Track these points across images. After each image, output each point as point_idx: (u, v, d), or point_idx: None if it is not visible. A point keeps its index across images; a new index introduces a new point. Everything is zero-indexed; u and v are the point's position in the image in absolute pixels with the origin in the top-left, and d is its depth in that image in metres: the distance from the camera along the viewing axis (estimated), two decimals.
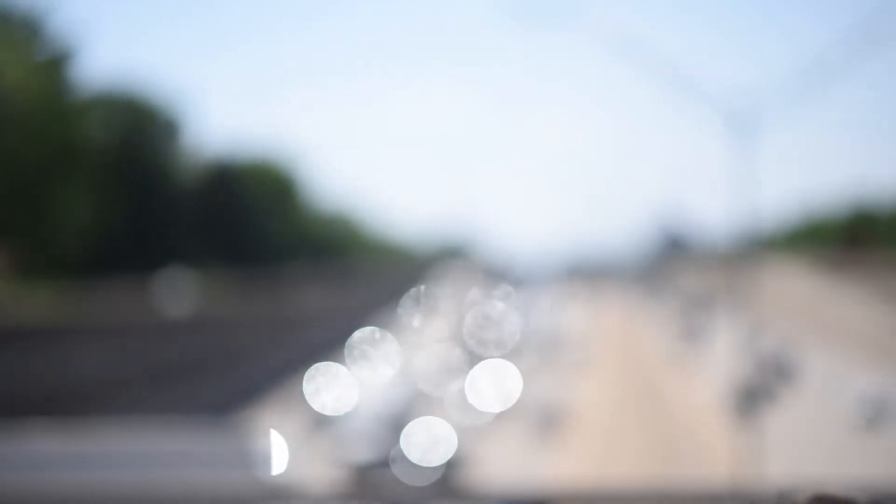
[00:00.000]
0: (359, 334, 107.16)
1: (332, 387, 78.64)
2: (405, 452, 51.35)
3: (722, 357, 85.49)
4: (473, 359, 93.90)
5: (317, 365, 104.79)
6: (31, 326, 55.29)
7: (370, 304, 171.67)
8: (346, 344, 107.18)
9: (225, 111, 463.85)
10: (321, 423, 65.14)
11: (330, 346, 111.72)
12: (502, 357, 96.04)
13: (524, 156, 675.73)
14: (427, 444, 51.74)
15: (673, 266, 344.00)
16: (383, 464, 51.95)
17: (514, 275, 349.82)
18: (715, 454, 56.01)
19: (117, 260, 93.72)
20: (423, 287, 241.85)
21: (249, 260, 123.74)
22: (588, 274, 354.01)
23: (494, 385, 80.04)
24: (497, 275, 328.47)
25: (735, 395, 57.65)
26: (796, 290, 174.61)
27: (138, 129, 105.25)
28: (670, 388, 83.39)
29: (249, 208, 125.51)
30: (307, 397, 78.41)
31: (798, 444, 57.74)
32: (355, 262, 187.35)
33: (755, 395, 63.51)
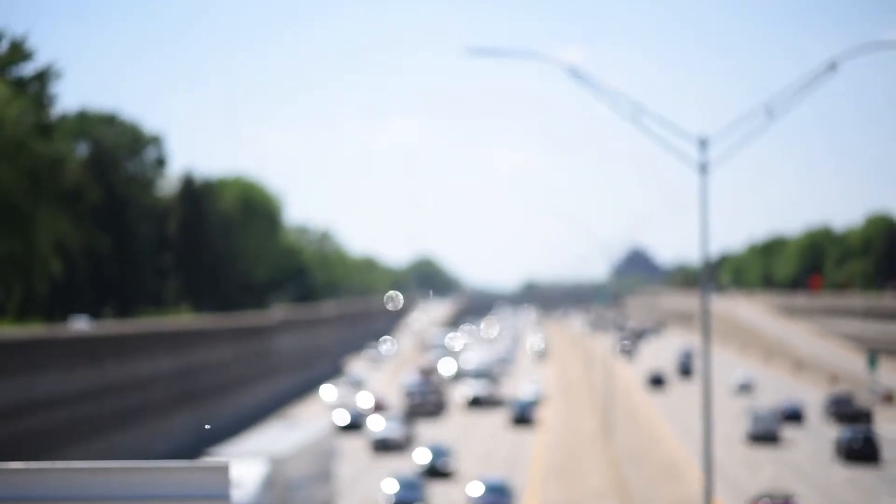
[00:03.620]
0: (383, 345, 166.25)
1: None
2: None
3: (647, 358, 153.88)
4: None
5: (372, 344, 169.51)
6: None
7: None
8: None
9: (202, 132, 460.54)
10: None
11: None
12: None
13: (495, 187, 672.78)
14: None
15: (634, 288, 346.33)
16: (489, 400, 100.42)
17: (487, 301, 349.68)
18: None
19: (90, 280, 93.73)
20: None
21: (226, 277, 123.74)
22: (553, 301, 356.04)
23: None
24: (473, 300, 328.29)
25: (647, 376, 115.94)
26: (746, 318, 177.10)
27: (115, 146, 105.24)
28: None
29: (225, 223, 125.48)
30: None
31: (691, 402, 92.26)
32: (336, 283, 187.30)
33: (661, 377, 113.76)
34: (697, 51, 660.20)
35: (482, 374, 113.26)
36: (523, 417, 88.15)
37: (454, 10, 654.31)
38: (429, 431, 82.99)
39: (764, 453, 72.14)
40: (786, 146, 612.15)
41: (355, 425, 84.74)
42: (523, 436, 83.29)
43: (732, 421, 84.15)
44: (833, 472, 65.04)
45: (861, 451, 66.96)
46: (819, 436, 79.07)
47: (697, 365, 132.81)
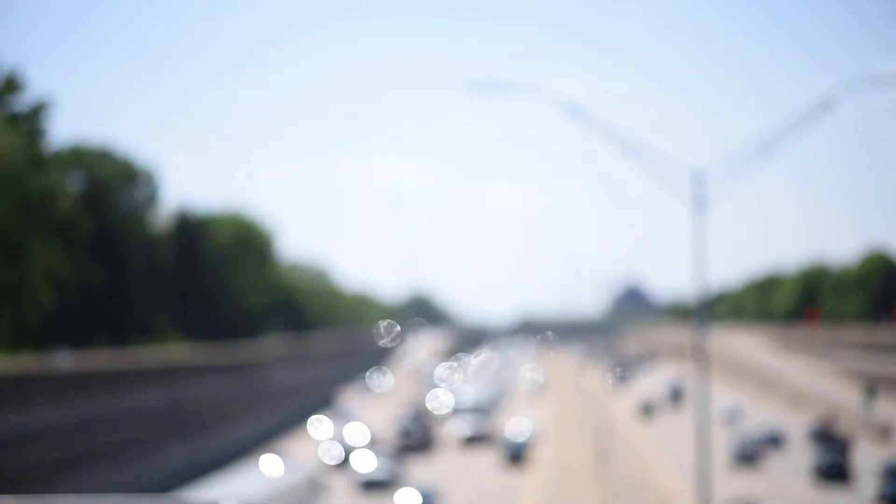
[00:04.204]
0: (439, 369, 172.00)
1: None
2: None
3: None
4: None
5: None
6: None
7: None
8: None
9: (195, 166, 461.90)
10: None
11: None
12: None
13: (490, 221, 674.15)
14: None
15: (629, 323, 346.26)
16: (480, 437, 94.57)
17: (482, 334, 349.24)
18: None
19: (82, 311, 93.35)
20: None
21: (218, 309, 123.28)
22: (548, 335, 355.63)
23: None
24: (468, 334, 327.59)
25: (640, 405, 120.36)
26: (742, 352, 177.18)
27: (109, 180, 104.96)
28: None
29: (218, 259, 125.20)
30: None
31: (679, 429, 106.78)
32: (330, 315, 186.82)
33: (651, 407, 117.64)
34: (694, 84, 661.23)
35: (476, 409, 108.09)
36: (517, 457, 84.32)
37: (449, 46, 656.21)
38: (419, 470, 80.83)
39: (747, 474, 78.99)
40: (783, 182, 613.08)
41: (345, 461, 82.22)
42: (517, 475, 79.84)
43: (719, 446, 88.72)
44: (808, 491, 72.07)
45: (835, 472, 74.45)
46: (800, 459, 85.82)
47: (685, 395, 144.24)
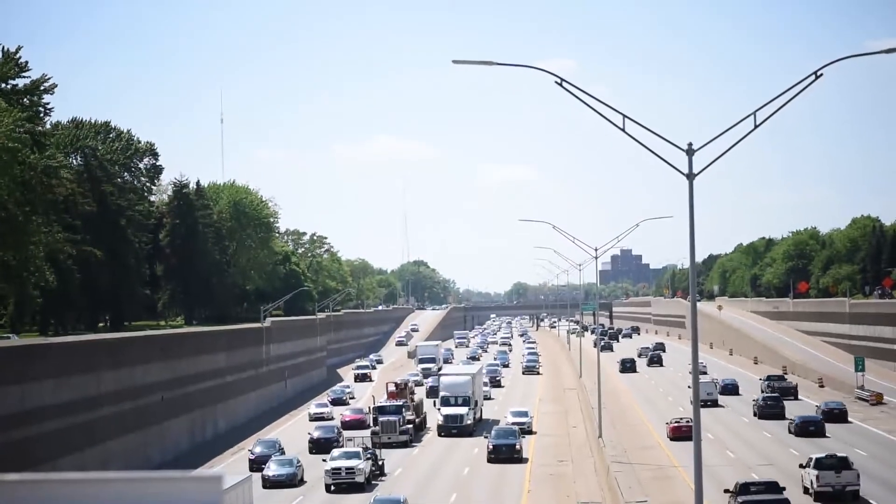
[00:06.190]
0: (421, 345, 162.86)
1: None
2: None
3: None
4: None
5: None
6: None
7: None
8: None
9: (192, 150, 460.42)
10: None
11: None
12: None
13: (486, 195, 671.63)
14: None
15: (622, 295, 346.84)
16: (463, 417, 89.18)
17: (478, 309, 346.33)
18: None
19: (83, 289, 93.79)
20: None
21: (218, 285, 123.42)
22: (542, 306, 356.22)
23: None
24: (464, 309, 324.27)
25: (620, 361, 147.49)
26: (733, 322, 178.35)
27: (109, 153, 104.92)
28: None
29: (217, 231, 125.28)
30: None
31: (658, 383, 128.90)
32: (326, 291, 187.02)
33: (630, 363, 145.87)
34: (686, 61, 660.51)
35: (466, 392, 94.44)
36: (506, 450, 73.55)
37: (445, 25, 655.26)
38: (402, 460, 75.06)
39: (704, 412, 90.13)
40: (777, 156, 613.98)
41: (330, 445, 76.93)
42: (507, 468, 70.69)
43: (684, 392, 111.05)
44: (747, 422, 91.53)
45: (771, 410, 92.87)
46: (749, 403, 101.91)
47: (662, 356, 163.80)
